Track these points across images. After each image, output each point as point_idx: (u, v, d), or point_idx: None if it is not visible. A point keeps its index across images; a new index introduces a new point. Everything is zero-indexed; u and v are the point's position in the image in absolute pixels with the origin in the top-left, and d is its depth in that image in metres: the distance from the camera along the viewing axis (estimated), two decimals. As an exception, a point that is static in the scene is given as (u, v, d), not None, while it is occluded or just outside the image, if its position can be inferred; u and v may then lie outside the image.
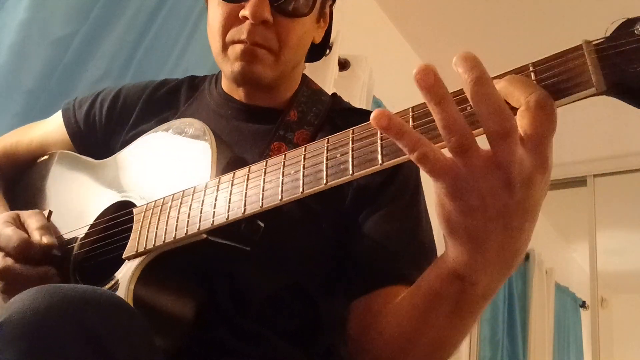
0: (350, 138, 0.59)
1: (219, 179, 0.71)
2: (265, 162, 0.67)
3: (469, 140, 0.47)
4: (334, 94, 1.04)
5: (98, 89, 1.09)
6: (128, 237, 0.76)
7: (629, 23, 0.47)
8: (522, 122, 0.48)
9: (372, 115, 0.50)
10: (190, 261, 0.74)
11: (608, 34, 0.48)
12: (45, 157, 1.07)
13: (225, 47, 0.89)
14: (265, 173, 0.66)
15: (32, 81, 1.42)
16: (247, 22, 0.85)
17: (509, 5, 2.96)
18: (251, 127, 0.93)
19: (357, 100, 2.42)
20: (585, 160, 3.12)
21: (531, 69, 0.51)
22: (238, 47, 0.87)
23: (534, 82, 0.49)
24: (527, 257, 3.86)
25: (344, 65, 2.47)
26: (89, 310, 0.55)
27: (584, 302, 3.95)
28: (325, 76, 2.21)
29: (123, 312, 0.58)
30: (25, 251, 0.76)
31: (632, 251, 3.72)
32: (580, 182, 3.19)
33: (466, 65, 0.48)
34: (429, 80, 0.47)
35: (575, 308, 4.13)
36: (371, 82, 2.55)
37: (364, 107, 2.48)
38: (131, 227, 0.77)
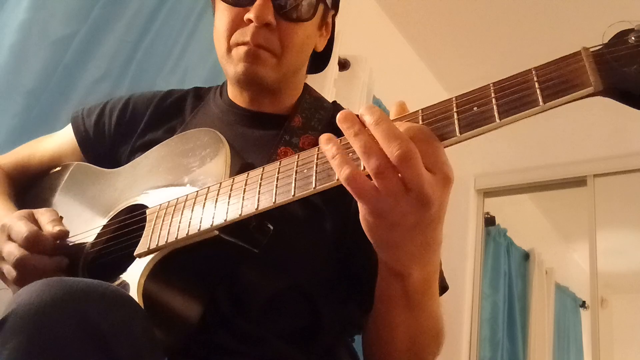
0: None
1: (233, 179, 0.72)
2: (279, 162, 0.68)
3: (385, 162, 0.55)
4: (335, 102, 1.07)
5: (98, 89, 1.10)
6: (139, 237, 0.77)
7: (624, 33, 0.53)
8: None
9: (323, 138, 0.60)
10: (198, 261, 0.75)
11: (605, 39, 0.54)
12: (59, 168, 1.08)
13: (229, 49, 0.91)
14: (279, 172, 0.67)
15: (32, 81, 1.42)
16: (251, 24, 0.88)
17: (508, 5, 2.96)
18: (256, 133, 0.95)
19: (357, 100, 2.42)
20: (585, 160, 3.12)
21: (533, 72, 0.56)
22: (242, 49, 0.89)
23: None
24: (527, 257, 3.86)
25: (344, 65, 2.47)
26: (91, 304, 0.55)
27: (584, 302, 3.96)
28: (325, 76, 2.22)
29: (125, 306, 0.59)
30: (34, 242, 0.77)
31: (632, 251, 3.72)
32: (580, 182, 3.18)
33: (369, 112, 0.58)
34: (350, 116, 0.58)
35: (575, 308, 4.13)
36: (371, 82, 2.56)
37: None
38: (143, 227, 0.78)
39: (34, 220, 0.83)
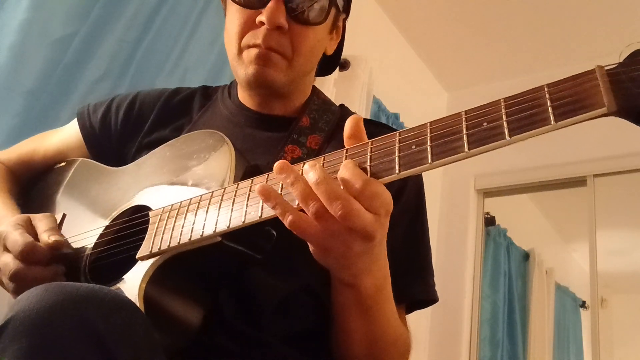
0: (369, 148, 0.63)
1: (237, 184, 0.71)
2: None
3: (323, 207, 0.59)
4: (342, 105, 1.07)
5: (98, 89, 1.10)
6: (142, 239, 0.76)
7: None
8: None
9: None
10: (201, 265, 0.75)
11: (621, 59, 0.51)
12: (63, 164, 1.08)
13: (240, 51, 0.91)
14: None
15: (32, 81, 1.42)
16: (263, 27, 0.88)
17: (507, 6, 2.96)
18: (264, 134, 0.95)
19: (357, 100, 2.42)
20: (585, 160, 3.12)
21: (545, 89, 0.55)
22: (253, 51, 0.89)
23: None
24: (527, 257, 3.86)
25: (344, 65, 2.47)
26: (91, 308, 0.55)
27: (584, 302, 3.95)
28: (325, 76, 2.21)
29: (125, 310, 0.59)
30: (29, 254, 0.77)
31: (632, 251, 3.72)
32: (580, 182, 3.18)
33: (311, 169, 0.61)
34: (285, 167, 0.62)
35: (575, 308, 4.13)
36: (371, 82, 2.56)
37: (364, 107, 2.51)
38: (146, 229, 0.77)
39: (30, 227, 0.82)
